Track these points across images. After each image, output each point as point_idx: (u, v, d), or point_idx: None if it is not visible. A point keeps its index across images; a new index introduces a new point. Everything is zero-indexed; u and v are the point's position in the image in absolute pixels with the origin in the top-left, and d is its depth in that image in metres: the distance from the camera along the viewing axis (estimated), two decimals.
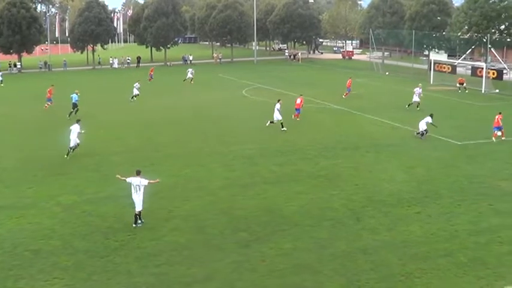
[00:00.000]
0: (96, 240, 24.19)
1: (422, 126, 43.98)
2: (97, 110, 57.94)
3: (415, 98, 58.24)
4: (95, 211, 27.70)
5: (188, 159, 37.72)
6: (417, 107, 57.24)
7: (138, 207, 25.79)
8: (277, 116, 47.08)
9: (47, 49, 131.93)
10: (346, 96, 65.25)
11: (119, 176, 26.63)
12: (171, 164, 36.52)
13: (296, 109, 51.40)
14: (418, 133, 44.22)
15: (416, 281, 20.46)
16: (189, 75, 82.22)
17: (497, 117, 43.60)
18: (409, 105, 57.58)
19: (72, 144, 38.64)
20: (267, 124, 47.44)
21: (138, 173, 26.00)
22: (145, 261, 22.07)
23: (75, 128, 38.99)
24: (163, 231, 25.17)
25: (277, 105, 47.60)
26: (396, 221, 26.48)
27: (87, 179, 33.06)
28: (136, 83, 65.18)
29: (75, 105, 54.52)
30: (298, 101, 51.34)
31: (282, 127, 46.28)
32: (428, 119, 44.32)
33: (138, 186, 25.63)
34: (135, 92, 64.48)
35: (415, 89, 58.74)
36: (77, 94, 55.35)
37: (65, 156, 38.33)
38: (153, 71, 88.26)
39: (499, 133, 43.23)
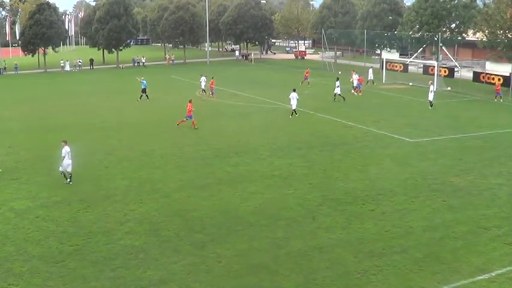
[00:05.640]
0: (50, 245, 23.89)
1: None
2: (47, 113, 57.29)
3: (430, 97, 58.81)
4: (48, 216, 27.36)
5: (141, 161, 37.49)
6: (430, 105, 58.38)
7: (71, 169, 32.34)
8: None
9: None
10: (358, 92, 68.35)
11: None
12: (124, 166, 36.26)
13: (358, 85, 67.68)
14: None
15: (372, 278, 20.62)
16: (370, 75, 79.14)
17: None
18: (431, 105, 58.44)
19: (294, 107, 52.71)
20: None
21: (66, 142, 32.46)
22: (101, 265, 21.86)
23: (294, 95, 52.80)
24: (118, 234, 24.97)
25: None
26: (351, 218, 26.68)
27: (40, 183, 32.60)
28: (203, 77, 70.41)
29: (144, 90, 65.58)
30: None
31: None
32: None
33: (69, 153, 32.19)
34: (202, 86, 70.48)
35: (430, 87, 59.81)
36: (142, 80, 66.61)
37: (290, 116, 52.48)
38: (308, 73, 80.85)
39: None
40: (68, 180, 32.38)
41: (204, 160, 37.74)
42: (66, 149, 32.06)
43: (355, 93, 68.96)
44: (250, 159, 37.76)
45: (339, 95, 62.59)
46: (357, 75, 70.50)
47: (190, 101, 48.53)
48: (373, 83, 76.88)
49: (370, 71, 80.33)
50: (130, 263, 22.01)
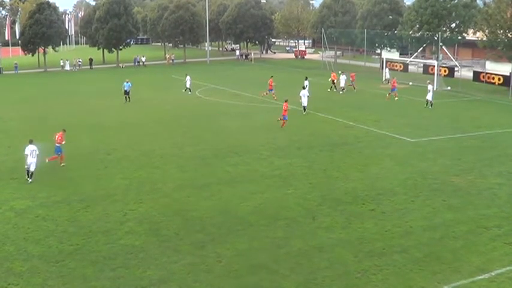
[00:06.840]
0: (50, 244, 23.89)
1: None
2: (49, 113, 57.25)
3: (429, 97, 58.77)
4: (48, 215, 27.37)
5: (141, 161, 37.48)
6: (430, 105, 58.39)
7: (33, 168, 32.89)
8: None
9: None
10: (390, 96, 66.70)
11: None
12: (124, 166, 36.25)
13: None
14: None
15: (373, 278, 20.62)
16: (387, 75, 79.88)
17: None
18: (431, 105, 58.43)
19: (304, 104, 54.19)
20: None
21: (31, 142, 33.34)
22: (101, 265, 21.87)
23: (304, 93, 54.45)
24: (118, 234, 24.97)
25: None
26: (351, 218, 26.68)
27: (40, 183, 32.55)
28: (188, 77, 71.45)
29: (127, 92, 64.22)
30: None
31: None
32: None
33: (34, 151, 32.87)
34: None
35: (428, 87, 59.71)
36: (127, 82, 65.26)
37: (304, 112, 53.80)
38: (354, 78, 76.81)
39: None
40: (29, 179, 32.90)
41: (204, 160, 37.73)
42: (30, 148, 32.93)
43: (333, 90, 71.72)
44: (250, 159, 37.75)
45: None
46: (344, 76, 71.15)
47: (286, 101, 48.37)
48: (388, 82, 76.97)
49: (387, 70, 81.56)
50: (130, 263, 22.00)
